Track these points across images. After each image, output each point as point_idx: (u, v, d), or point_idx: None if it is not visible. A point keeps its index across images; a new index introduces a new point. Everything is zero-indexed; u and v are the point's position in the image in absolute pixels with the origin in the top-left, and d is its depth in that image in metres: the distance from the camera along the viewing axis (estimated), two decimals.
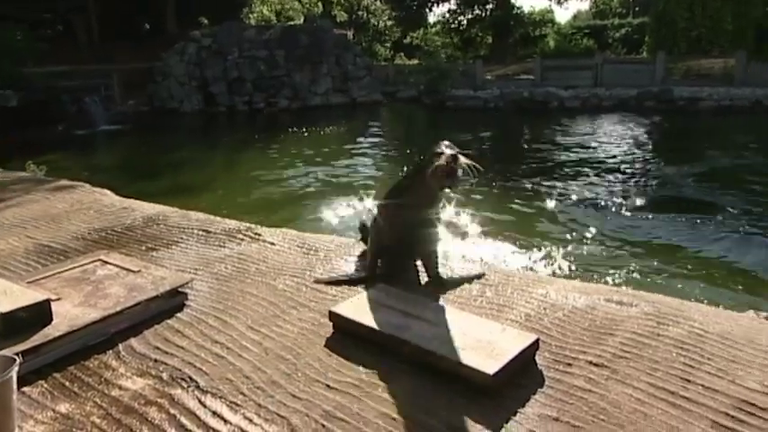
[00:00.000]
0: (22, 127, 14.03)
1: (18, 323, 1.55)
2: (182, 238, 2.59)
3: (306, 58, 21.65)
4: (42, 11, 22.07)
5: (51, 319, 1.61)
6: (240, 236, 2.59)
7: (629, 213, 7.31)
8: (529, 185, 8.82)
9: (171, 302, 1.84)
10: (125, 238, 2.64)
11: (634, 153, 11.86)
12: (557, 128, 15.85)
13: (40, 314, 1.60)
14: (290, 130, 16.41)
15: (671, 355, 1.47)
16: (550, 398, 1.31)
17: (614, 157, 11.48)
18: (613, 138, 14.10)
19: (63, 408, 1.35)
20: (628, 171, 9.97)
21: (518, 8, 36.90)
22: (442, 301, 1.84)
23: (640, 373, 1.40)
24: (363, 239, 2.29)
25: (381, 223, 1.98)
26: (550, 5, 44.01)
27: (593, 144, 13.06)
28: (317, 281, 2.03)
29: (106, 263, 2.07)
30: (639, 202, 7.89)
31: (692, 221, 6.89)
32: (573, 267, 5.35)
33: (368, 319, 1.60)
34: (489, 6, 36.88)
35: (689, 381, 1.35)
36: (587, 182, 9.18)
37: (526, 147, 13.60)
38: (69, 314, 1.66)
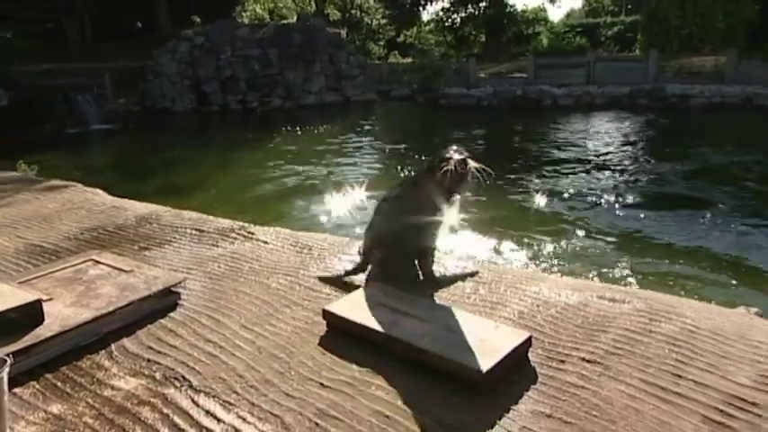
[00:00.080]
0: (13, 126, 13.93)
1: (9, 324, 1.54)
2: (174, 238, 2.58)
3: (299, 57, 21.59)
4: (41, 10, 21.86)
5: (43, 320, 1.60)
6: (233, 235, 2.58)
7: (621, 210, 7.36)
8: (522, 183, 8.85)
9: (164, 302, 1.84)
10: (117, 237, 2.63)
11: (626, 150, 11.92)
12: (550, 126, 15.90)
13: (31, 314, 1.59)
14: (283, 129, 16.36)
15: (663, 351, 1.48)
16: (543, 394, 1.32)
17: (607, 154, 11.53)
18: (606, 135, 14.17)
19: (55, 408, 1.34)
20: (620, 168, 10.02)
21: (511, 6, 37.08)
22: (435, 299, 1.84)
23: (632, 369, 1.40)
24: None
25: (381, 223, 1.99)
26: (543, 4, 44.34)
27: (586, 141, 13.12)
28: (321, 278, 2.03)
29: (98, 263, 2.06)
30: (631, 198, 7.93)
31: (684, 218, 6.94)
32: (566, 264, 5.38)
33: (361, 318, 1.60)
34: (483, 4, 36.98)
35: (680, 376, 1.36)
36: (580, 179, 9.23)
37: (519, 144, 13.63)
38: (61, 314, 1.65)
